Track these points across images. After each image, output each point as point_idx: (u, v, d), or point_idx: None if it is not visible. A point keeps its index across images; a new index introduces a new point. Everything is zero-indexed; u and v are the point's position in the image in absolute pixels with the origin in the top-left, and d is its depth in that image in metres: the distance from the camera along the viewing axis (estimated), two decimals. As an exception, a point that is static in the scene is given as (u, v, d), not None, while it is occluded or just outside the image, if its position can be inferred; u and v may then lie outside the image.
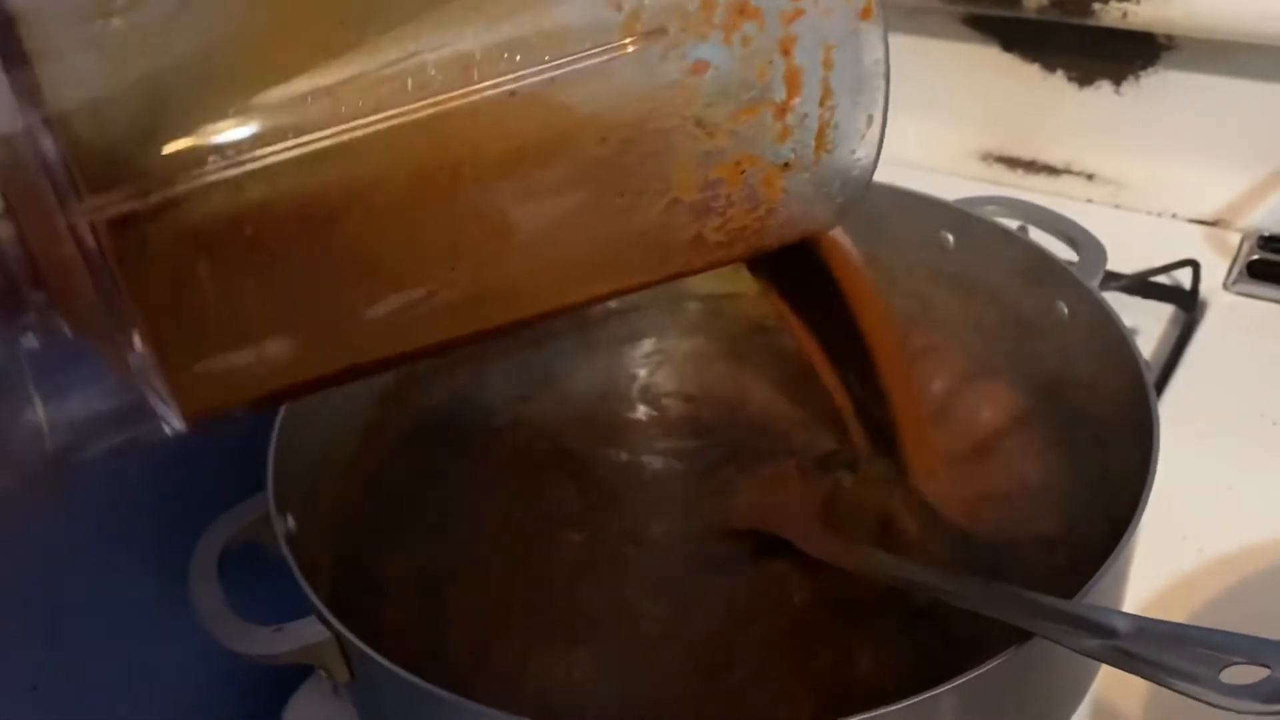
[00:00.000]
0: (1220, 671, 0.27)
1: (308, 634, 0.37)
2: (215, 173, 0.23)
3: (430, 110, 0.24)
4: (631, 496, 0.50)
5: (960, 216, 0.52)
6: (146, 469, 0.45)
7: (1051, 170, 0.74)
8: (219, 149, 0.23)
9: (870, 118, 0.28)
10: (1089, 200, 0.73)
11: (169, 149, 0.23)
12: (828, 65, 0.27)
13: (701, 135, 0.26)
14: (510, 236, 0.27)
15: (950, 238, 0.53)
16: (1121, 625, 0.30)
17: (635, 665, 0.42)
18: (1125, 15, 0.63)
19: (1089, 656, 0.31)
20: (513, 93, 0.24)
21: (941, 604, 0.38)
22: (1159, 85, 0.68)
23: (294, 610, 0.38)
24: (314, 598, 0.37)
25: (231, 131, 0.24)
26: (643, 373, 0.57)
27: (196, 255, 0.24)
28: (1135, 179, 0.71)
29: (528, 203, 0.26)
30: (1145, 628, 0.30)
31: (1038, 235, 0.53)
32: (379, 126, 0.24)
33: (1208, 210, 0.69)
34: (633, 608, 0.44)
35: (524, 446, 0.53)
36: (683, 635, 0.43)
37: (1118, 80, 0.69)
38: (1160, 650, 0.29)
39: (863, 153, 0.29)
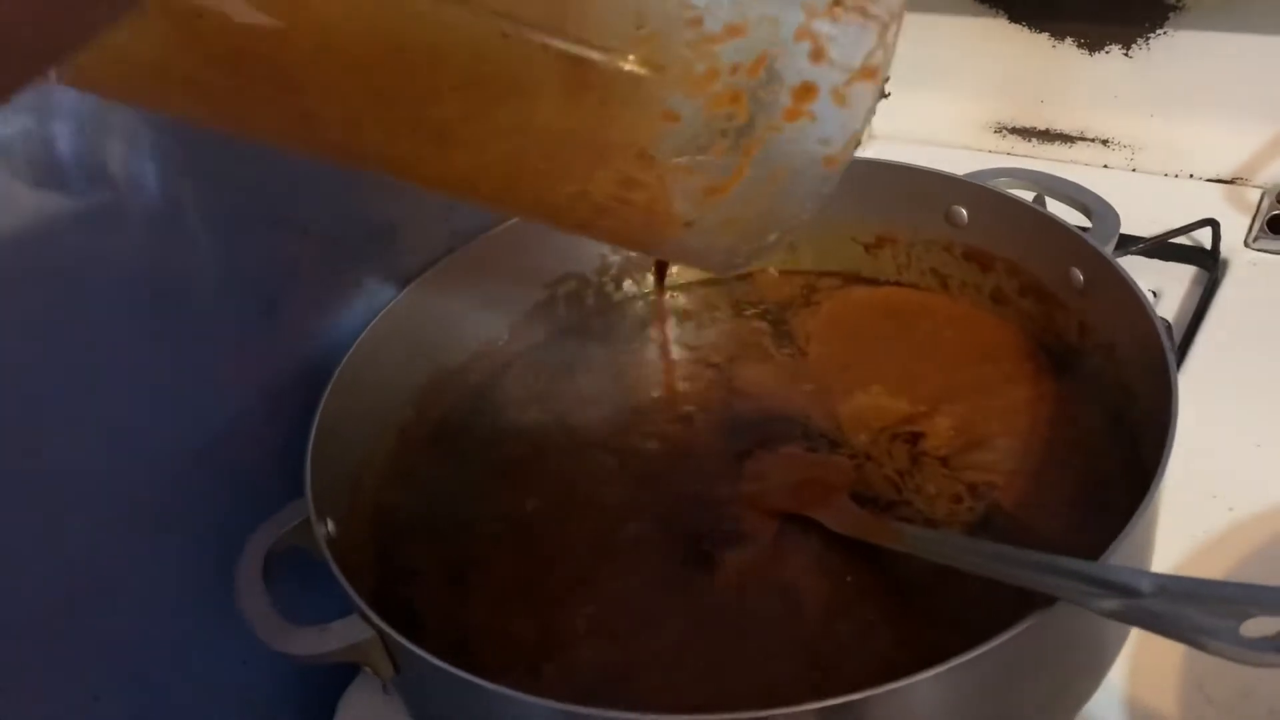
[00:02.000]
0: (1240, 624, 0.27)
1: (352, 633, 0.38)
2: None
3: (428, 5, 0.24)
4: (653, 483, 0.50)
5: (973, 190, 0.53)
6: (189, 481, 0.46)
7: (1066, 138, 0.74)
8: None
9: (776, 239, 0.30)
10: (1105, 166, 0.73)
11: None
12: (773, 180, 0.28)
13: (638, 165, 0.27)
14: (430, 134, 0.27)
15: (964, 212, 0.53)
16: (1144, 584, 0.31)
17: (661, 649, 0.43)
18: (1132, -21, 0.63)
19: (1113, 618, 0.31)
20: (505, 34, 0.24)
21: (965, 575, 0.38)
22: (1169, 46, 0.68)
23: (340, 609, 0.39)
24: (356, 598, 0.38)
25: None
26: (660, 361, 0.58)
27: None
28: (1150, 142, 0.71)
29: (462, 120, 0.27)
30: (1167, 585, 0.30)
31: (1054, 205, 0.53)
32: None
33: (1225, 168, 0.69)
34: (657, 592, 0.45)
35: (545, 437, 0.54)
36: (708, 616, 0.44)
37: (1127, 44, 0.69)
38: (1181, 606, 0.29)
39: (751, 256, 0.31)
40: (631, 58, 0.25)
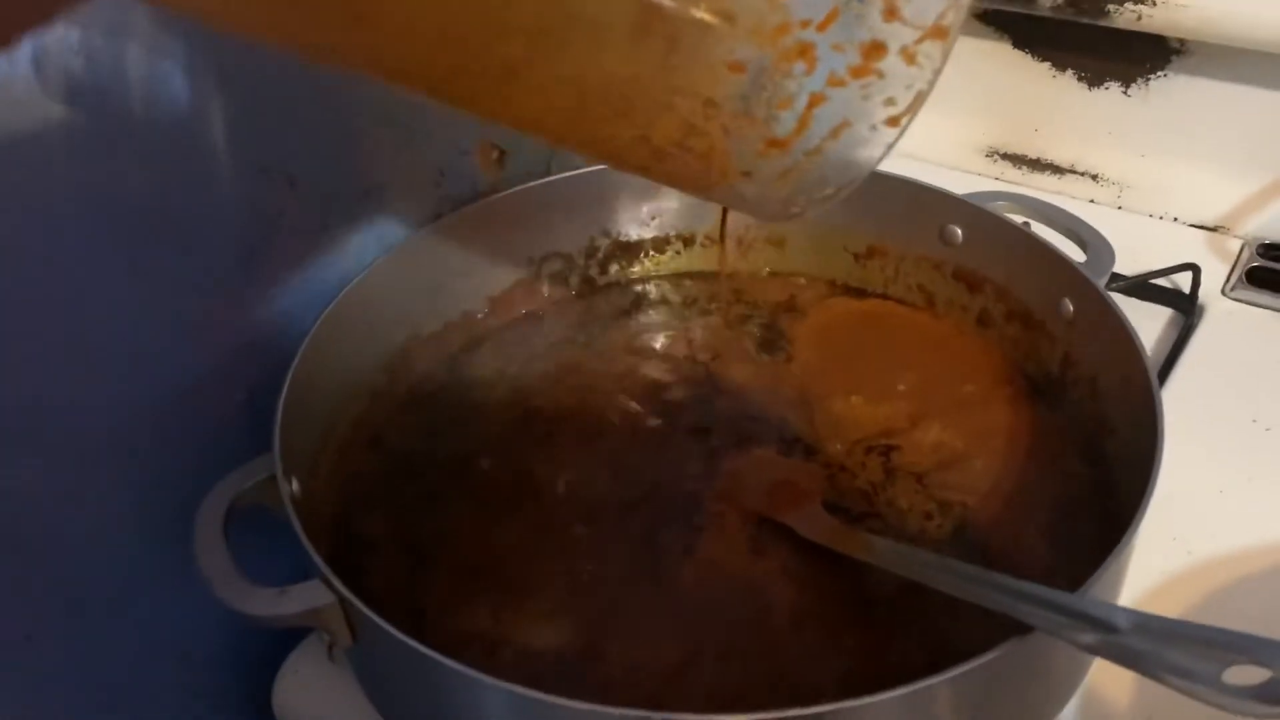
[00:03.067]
0: (1222, 671, 0.27)
1: (312, 597, 0.37)
2: None
3: None
4: (624, 473, 0.50)
5: (971, 211, 0.53)
6: (150, 425, 0.44)
7: (1056, 169, 0.74)
8: None
9: (834, 193, 0.30)
10: (1092, 200, 0.73)
11: None
12: (834, 135, 0.28)
13: (700, 113, 0.27)
14: (494, 72, 0.27)
15: (959, 231, 0.53)
16: (1122, 621, 0.31)
17: (621, 642, 0.42)
18: (1139, 18, 0.63)
19: (1089, 651, 0.31)
20: None
21: (936, 590, 0.38)
22: (1167, 89, 0.68)
23: (292, 570, 0.38)
24: (320, 562, 0.37)
25: None
26: (639, 348, 0.57)
27: None
28: (1139, 181, 0.72)
29: (527, 61, 0.26)
30: (1146, 624, 0.30)
31: (1042, 232, 0.53)
32: None
33: (1209, 215, 0.70)
34: (621, 585, 0.45)
35: (518, 416, 0.53)
36: (671, 612, 0.43)
37: (1127, 82, 0.69)
38: (1161, 647, 0.29)
39: (807, 207, 0.31)
40: (703, 6, 0.25)
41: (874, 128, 0.28)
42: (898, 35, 0.26)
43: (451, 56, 0.27)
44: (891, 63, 0.26)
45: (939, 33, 0.26)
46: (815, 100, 0.27)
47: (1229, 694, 0.27)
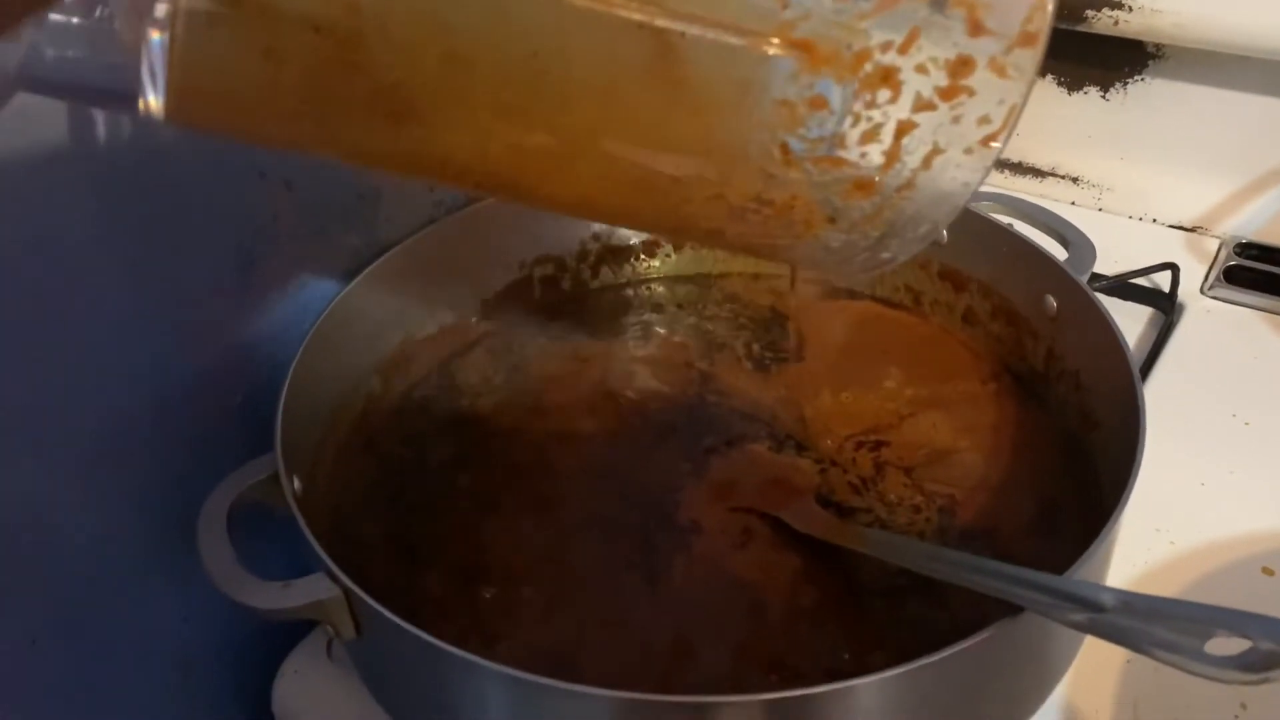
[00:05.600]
0: (1204, 643, 0.28)
1: (316, 590, 0.38)
2: None
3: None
4: (617, 472, 0.50)
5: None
6: (147, 429, 0.45)
7: (1038, 172, 0.76)
8: None
9: (929, 230, 0.28)
10: (1073, 203, 0.75)
11: None
12: (927, 165, 0.26)
13: (779, 159, 0.25)
14: (559, 145, 0.26)
15: (944, 231, 0.54)
16: (1108, 600, 0.32)
17: (610, 632, 0.43)
18: (1116, 23, 0.65)
19: (1078, 629, 0.32)
20: (640, 25, 0.23)
21: (927, 581, 0.39)
22: (1145, 93, 0.70)
23: (287, 570, 0.39)
24: (323, 554, 0.38)
25: None
26: (631, 350, 0.58)
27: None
28: (1119, 183, 0.73)
29: (591, 129, 0.25)
30: (1131, 602, 0.31)
31: (1025, 232, 0.54)
32: None
33: (1187, 216, 0.71)
34: (615, 582, 0.45)
35: (511, 418, 0.54)
36: (665, 607, 0.44)
37: (1105, 87, 0.71)
38: (1146, 623, 0.30)
39: (900, 250, 0.29)
40: (776, 41, 0.23)
41: (969, 151, 0.26)
42: (984, 48, 0.24)
43: (510, 137, 0.25)
44: (981, 78, 0.24)
45: (1028, 39, 0.24)
46: (904, 129, 0.25)
47: (1212, 664, 0.28)
